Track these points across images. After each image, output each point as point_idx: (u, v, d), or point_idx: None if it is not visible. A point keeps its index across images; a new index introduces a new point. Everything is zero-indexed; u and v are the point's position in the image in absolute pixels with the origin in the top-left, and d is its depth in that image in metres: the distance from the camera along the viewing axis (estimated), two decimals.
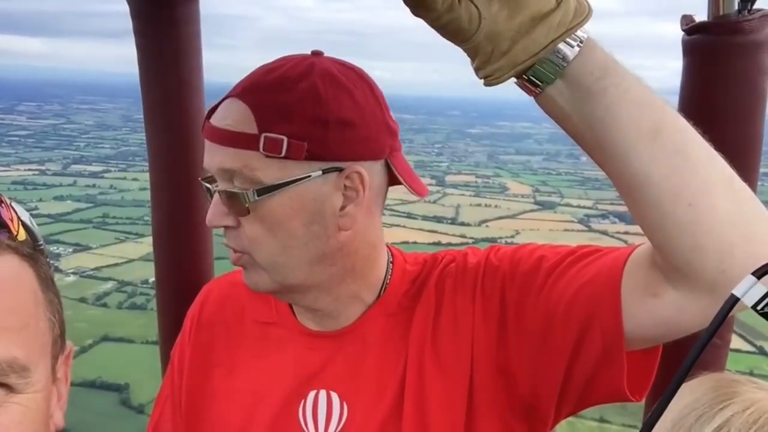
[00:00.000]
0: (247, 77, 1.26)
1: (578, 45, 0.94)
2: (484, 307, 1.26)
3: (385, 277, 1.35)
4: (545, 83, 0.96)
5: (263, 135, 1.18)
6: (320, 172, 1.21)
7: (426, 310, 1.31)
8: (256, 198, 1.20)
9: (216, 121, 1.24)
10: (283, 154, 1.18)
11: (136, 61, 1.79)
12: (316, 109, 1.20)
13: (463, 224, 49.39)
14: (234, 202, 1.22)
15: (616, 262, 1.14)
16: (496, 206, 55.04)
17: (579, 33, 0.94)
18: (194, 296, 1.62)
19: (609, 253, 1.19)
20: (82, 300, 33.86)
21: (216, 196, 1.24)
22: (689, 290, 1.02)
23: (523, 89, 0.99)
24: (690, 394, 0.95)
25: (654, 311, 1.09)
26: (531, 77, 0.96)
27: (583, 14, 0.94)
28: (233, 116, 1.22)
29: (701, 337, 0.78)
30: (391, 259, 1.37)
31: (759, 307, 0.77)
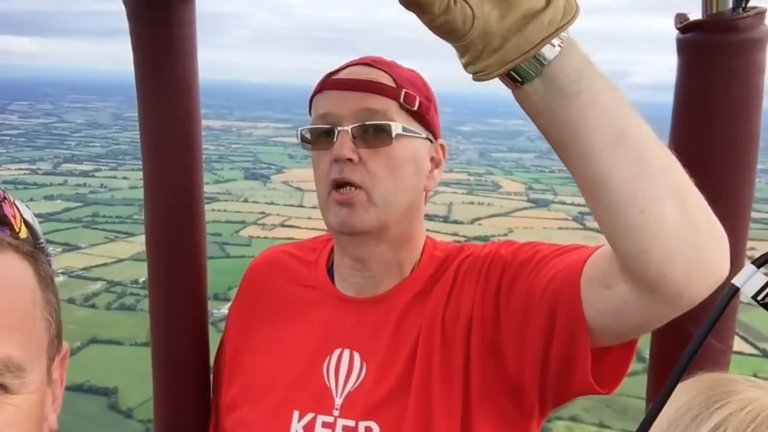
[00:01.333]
0: (356, 60, 1.55)
1: (559, 46, 0.96)
2: (485, 292, 1.43)
3: (419, 258, 1.56)
4: (525, 80, 0.98)
5: (403, 90, 1.48)
6: (425, 136, 1.52)
7: (442, 291, 1.49)
8: (400, 132, 1.46)
9: (352, 75, 1.50)
10: (415, 108, 1.49)
11: (132, 62, 1.80)
12: (424, 88, 1.56)
13: (455, 222, 49.59)
14: (378, 135, 1.46)
15: (583, 255, 1.28)
16: (489, 204, 55.31)
17: (563, 34, 0.96)
18: (187, 297, 1.82)
19: (587, 248, 1.31)
20: (71, 301, 33.77)
21: (344, 134, 1.45)
22: (634, 287, 1.12)
23: (503, 82, 1.00)
24: (686, 393, 0.96)
25: (608, 301, 1.19)
26: (513, 73, 0.98)
27: (572, 12, 0.95)
28: (372, 73, 1.50)
29: (698, 332, 0.79)
30: (424, 242, 1.58)
31: (759, 298, 0.79)
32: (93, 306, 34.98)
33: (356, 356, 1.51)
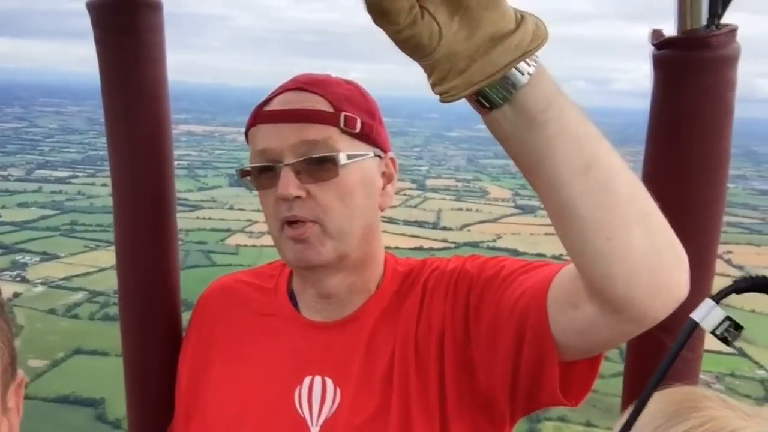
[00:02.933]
0: (288, 83, 1.48)
1: (528, 74, 0.95)
2: (454, 308, 1.42)
3: (382, 275, 1.54)
4: (494, 106, 0.97)
5: (342, 113, 1.42)
6: (372, 154, 1.47)
7: (411, 308, 1.48)
8: (346, 162, 1.41)
9: (286, 104, 1.44)
10: (357, 130, 1.43)
11: (98, 70, 1.76)
12: (365, 102, 1.50)
13: (444, 229, 49.66)
14: (323, 167, 1.40)
15: (549, 273, 1.29)
16: (477, 210, 55.42)
17: (531, 61, 0.95)
18: (160, 310, 1.77)
19: (554, 265, 1.32)
20: (52, 311, 33.44)
21: (286, 170, 1.40)
22: (600, 307, 1.13)
23: (472, 106, 1.00)
24: (655, 404, 0.97)
25: (574, 320, 1.21)
26: (481, 99, 0.97)
27: (541, 37, 0.94)
28: (308, 100, 1.43)
29: (668, 354, 0.83)
30: (384, 258, 1.57)
31: (717, 332, 0.82)
32: (76, 316, 34.62)
33: (329, 382, 1.47)
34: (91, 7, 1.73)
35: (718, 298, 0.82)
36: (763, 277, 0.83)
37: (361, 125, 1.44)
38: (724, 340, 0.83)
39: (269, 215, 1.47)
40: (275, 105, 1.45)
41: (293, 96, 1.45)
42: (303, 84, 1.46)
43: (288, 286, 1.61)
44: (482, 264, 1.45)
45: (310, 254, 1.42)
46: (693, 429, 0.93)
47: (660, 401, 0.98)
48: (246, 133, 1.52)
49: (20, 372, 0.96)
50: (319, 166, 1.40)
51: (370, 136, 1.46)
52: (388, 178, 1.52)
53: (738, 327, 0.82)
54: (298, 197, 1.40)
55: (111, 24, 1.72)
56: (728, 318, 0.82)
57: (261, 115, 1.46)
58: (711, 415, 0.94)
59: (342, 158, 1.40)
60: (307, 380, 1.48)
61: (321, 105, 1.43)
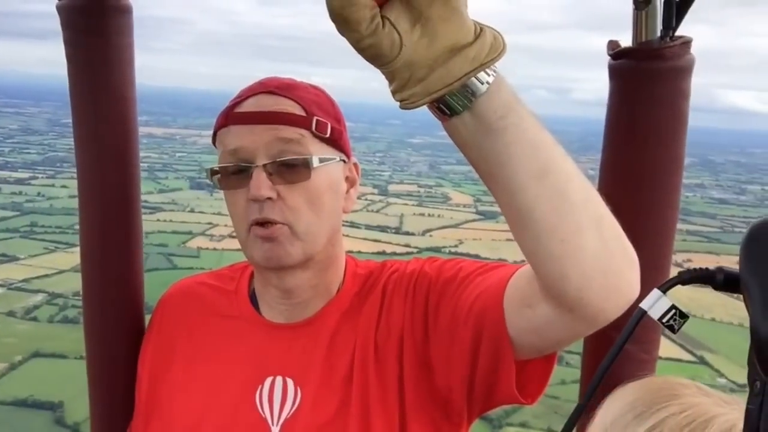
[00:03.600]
0: (256, 86, 1.49)
1: (487, 83, 0.98)
2: (413, 308, 1.46)
3: (343, 277, 1.57)
4: (454, 113, 1.00)
5: (314, 117, 1.45)
6: (339, 159, 1.50)
7: (371, 310, 1.50)
8: (317, 165, 1.44)
9: (259, 107, 1.45)
10: (328, 135, 1.46)
11: (66, 72, 1.76)
12: (332, 108, 1.53)
13: (407, 233, 49.71)
14: (295, 170, 1.43)
15: (506, 275, 1.33)
16: (439, 216, 55.63)
17: (490, 71, 0.98)
18: (124, 312, 1.77)
19: (510, 267, 1.36)
20: (11, 314, 32.75)
21: (258, 171, 1.41)
22: (554, 307, 1.17)
23: (432, 113, 1.03)
24: (632, 393, 1.01)
25: (530, 319, 1.25)
26: (441, 106, 1.00)
27: (498, 50, 0.97)
28: (280, 103, 1.45)
29: (612, 348, 0.86)
30: (345, 261, 1.59)
31: (665, 320, 0.86)
32: (35, 319, 33.93)
33: (290, 382, 1.49)
34: (61, 9, 1.73)
35: (665, 288, 0.86)
36: (706, 269, 0.86)
37: (330, 130, 1.47)
38: (670, 327, 0.86)
39: (237, 216, 1.47)
40: (248, 107, 1.46)
41: (265, 99, 1.46)
42: (274, 88, 1.47)
43: (249, 288, 1.62)
44: (440, 266, 1.48)
45: (279, 253, 1.44)
46: (673, 416, 0.95)
47: (637, 390, 1.02)
48: (214, 135, 1.52)
49: None
50: (291, 169, 1.43)
51: (338, 141, 1.49)
52: (351, 182, 1.55)
53: (683, 315, 0.86)
54: (269, 198, 1.41)
55: (81, 26, 1.72)
56: (674, 307, 0.85)
57: (233, 116, 1.46)
58: (690, 402, 0.97)
59: (314, 161, 1.43)
60: (268, 380, 1.50)
61: (293, 108, 1.45)
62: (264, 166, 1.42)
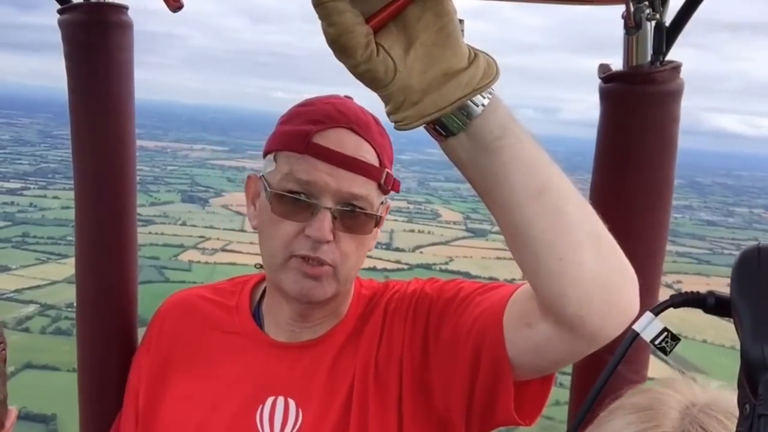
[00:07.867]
0: (334, 112, 1.44)
1: (482, 105, 1.00)
2: (413, 330, 1.46)
3: (351, 298, 1.57)
4: (451, 133, 1.02)
5: (385, 171, 1.46)
6: (385, 204, 1.52)
7: (373, 331, 1.51)
8: (379, 218, 1.47)
9: (341, 146, 1.41)
10: (389, 187, 1.48)
11: (66, 84, 1.78)
12: (390, 150, 1.52)
13: (397, 250, 49.54)
14: (364, 222, 1.45)
15: (505, 295, 1.33)
16: (429, 232, 55.48)
17: (486, 93, 1.00)
18: (117, 322, 1.78)
19: (509, 287, 1.37)
20: (2, 325, 32.37)
21: (324, 213, 1.41)
22: (554, 326, 1.17)
23: (429, 134, 1.05)
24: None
25: (529, 339, 1.25)
26: (438, 127, 1.02)
27: (491, 75, 1.00)
28: (360, 148, 1.44)
29: (605, 369, 0.88)
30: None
31: (656, 342, 0.87)
32: (27, 330, 33.53)
33: (291, 403, 1.49)
34: (62, 24, 1.75)
35: (657, 311, 0.88)
36: (697, 293, 0.88)
37: (394, 183, 1.48)
38: (662, 350, 0.87)
39: (280, 241, 1.44)
40: (330, 143, 1.41)
41: (347, 137, 1.43)
42: (354, 125, 1.44)
43: (251, 305, 1.61)
44: (441, 287, 1.49)
45: (317, 292, 1.45)
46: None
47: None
48: (276, 149, 1.47)
49: (12, 408, 1.00)
50: (356, 221, 1.44)
51: (390, 188, 1.49)
52: (379, 221, 1.53)
53: (675, 338, 0.88)
54: (327, 241, 1.41)
55: (82, 41, 1.75)
56: (666, 329, 0.87)
57: (313, 147, 1.40)
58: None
59: (377, 218, 1.47)
60: (269, 400, 1.49)
61: (370, 156, 1.45)
62: (331, 209, 1.41)
